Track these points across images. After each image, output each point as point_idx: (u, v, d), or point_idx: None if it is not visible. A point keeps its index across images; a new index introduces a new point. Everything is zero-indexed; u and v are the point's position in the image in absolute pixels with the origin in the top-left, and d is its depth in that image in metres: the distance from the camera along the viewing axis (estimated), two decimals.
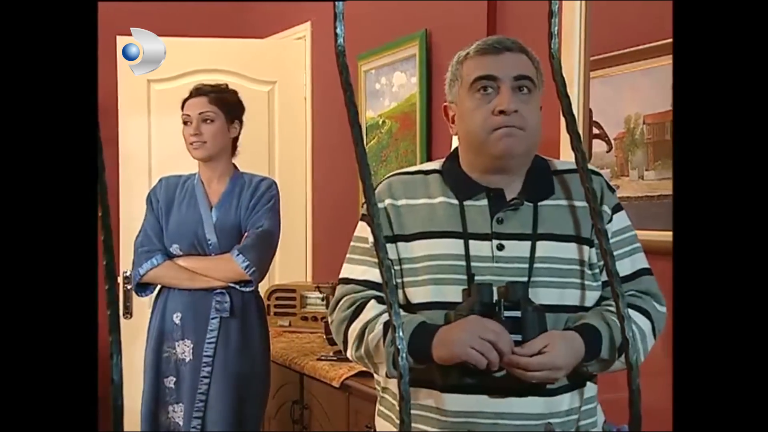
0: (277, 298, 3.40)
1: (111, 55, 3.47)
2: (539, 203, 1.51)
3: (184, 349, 2.60)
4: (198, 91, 2.67)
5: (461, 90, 1.55)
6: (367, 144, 3.36)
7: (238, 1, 4.39)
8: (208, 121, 2.62)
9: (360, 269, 1.59)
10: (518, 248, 1.47)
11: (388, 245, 1.53)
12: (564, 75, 2.06)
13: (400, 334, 0.61)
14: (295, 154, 3.98)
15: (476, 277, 1.46)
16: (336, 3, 0.69)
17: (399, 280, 1.52)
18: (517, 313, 1.39)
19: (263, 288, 3.22)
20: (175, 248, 2.62)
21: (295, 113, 3.98)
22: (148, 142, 3.87)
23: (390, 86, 3.19)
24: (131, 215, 3.71)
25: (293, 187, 3.90)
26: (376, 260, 0.74)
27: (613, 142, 2.06)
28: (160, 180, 2.76)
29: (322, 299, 3.34)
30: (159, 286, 2.69)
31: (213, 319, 2.58)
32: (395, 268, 1.51)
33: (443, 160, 1.62)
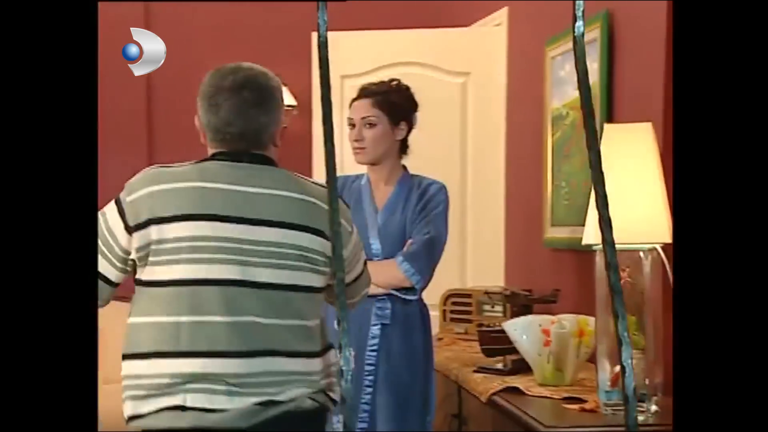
0: (453, 303, 3.20)
1: (306, 54, 3.69)
2: None
3: None
4: (362, 93, 2.57)
5: None
6: (551, 137, 3.08)
7: None
8: (370, 126, 2.52)
9: None
10: None
11: None
12: None
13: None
14: (489, 151, 3.76)
15: None
16: None
17: None
18: None
19: (440, 293, 3.13)
20: None
21: (490, 107, 3.73)
22: (341, 138, 3.80)
23: (574, 73, 2.97)
24: None
25: (487, 187, 3.74)
26: None
27: None
28: None
29: (492, 306, 3.09)
30: None
31: (374, 326, 2.48)
32: None
33: None
